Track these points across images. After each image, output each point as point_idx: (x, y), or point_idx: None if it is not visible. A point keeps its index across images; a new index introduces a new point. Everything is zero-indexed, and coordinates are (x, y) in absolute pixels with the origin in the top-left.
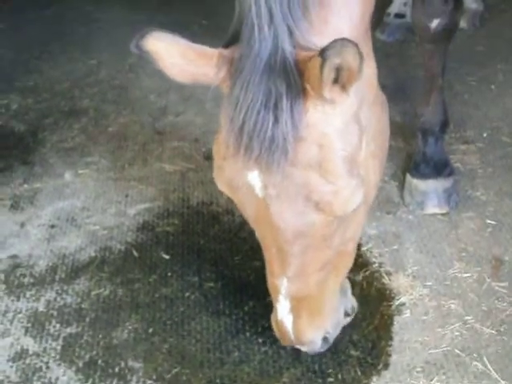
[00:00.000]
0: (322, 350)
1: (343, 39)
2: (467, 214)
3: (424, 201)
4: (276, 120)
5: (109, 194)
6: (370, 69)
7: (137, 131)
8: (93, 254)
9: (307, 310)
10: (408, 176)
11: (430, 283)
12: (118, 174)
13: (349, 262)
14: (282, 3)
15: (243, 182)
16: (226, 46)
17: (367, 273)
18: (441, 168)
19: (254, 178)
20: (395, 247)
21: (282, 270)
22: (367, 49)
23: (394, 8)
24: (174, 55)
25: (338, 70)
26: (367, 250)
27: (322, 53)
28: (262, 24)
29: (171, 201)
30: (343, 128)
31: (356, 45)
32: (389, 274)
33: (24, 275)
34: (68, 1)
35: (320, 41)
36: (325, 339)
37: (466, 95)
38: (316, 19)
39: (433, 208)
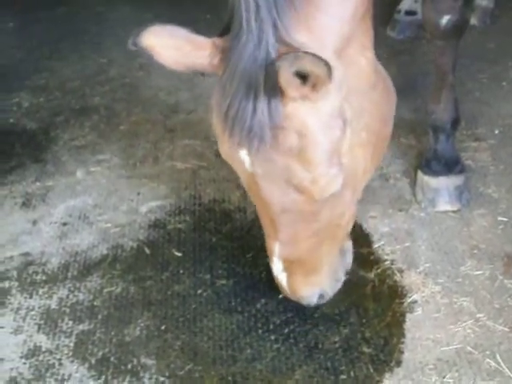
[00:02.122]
0: (319, 303)
1: (298, 51)
2: (479, 211)
3: (436, 198)
4: (254, 109)
5: (121, 191)
6: (363, 59)
7: (148, 129)
8: (105, 252)
9: (302, 269)
10: (419, 173)
11: (441, 280)
12: (130, 172)
13: (344, 233)
14: None
15: (236, 156)
16: (221, 35)
17: (379, 270)
18: (452, 165)
19: (244, 155)
20: (407, 244)
21: (274, 235)
22: (363, 40)
23: (404, 5)
24: (170, 49)
25: (302, 75)
26: (379, 247)
27: (276, 62)
28: (250, 18)
29: (183, 198)
30: (323, 120)
31: (313, 54)
32: (401, 271)
33: (36, 273)
34: (79, 0)
35: (306, 37)
36: (321, 296)
37: (477, 92)
38: (303, 15)
39: (444, 205)
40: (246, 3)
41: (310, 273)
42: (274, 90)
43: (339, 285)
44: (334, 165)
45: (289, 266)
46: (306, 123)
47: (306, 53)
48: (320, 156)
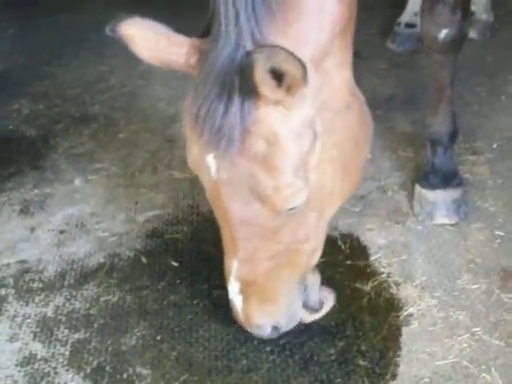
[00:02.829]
0: (272, 337)
1: (275, 46)
2: (476, 225)
3: (433, 211)
4: (226, 111)
5: (118, 200)
6: (339, 78)
7: (147, 138)
8: (102, 260)
9: (257, 295)
10: (417, 186)
11: (438, 294)
12: (128, 181)
13: (308, 262)
14: (248, 4)
15: (203, 163)
16: (202, 36)
17: (375, 283)
18: (450, 178)
19: (210, 160)
20: (404, 257)
21: (233, 251)
22: (341, 58)
23: (404, 18)
24: (148, 41)
25: (277, 74)
26: (376, 259)
27: (251, 55)
28: (228, 23)
29: (181, 208)
30: (294, 130)
31: (290, 52)
32: (397, 284)
33: (33, 280)
34: (80, 7)
35: (284, 43)
36: (275, 328)
37: (475, 106)
38: (281, 23)
39: (442, 218)
40: (225, 8)
41: (265, 301)
42: (248, 91)
43: (295, 321)
44: (300, 177)
45: (245, 289)
46: (276, 131)
47: (283, 49)
48: (286, 165)
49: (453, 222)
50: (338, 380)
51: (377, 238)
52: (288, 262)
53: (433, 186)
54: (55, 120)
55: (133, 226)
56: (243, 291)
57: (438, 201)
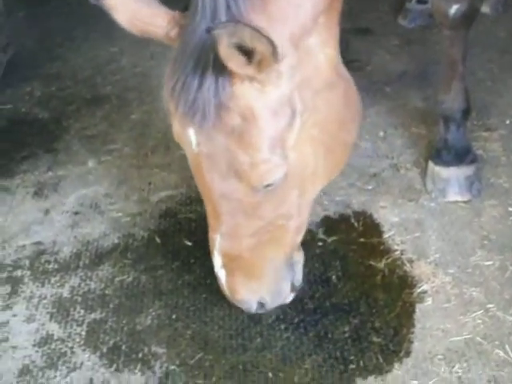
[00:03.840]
0: (259, 312)
1: (239, 22)
2: (490, 202)
3: (446, 188)
4: (200, 85)
5: (132, 181)
6: (322, 56)
7: (159, 118)
8: (116, 241)
9: (241, 270)
10: (430, 163)
11: (452, 271)
12: (141, 162)
13: (292, 239)
14: None
15: (184, 136)
16: (184, 10)
17: (389, 260)
18: (463, 155)
19: (191, 133)
20: (417, 235)
21: (216, 225)
22: (326, 36)
23: None
24: (129, 10)
25: (247, 50)
26: (389, 237)
27: (213, 31)
28: None
29: (193, 187)
30: (270, 106)
31: (255, 29)
32: (411, 261)
33: (48, 262)
34: None
35: (262, 20)
36: (261, 304)
37: (488, 82)
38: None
39: (455, 195)
40: None
41: (249, 276)
42: (222, 67)
43: (282, 298)
44: (277, 154)
45: (228, 263)
46: (252, 106)
47: (246, 25)
48: (262, 142)
49: (466, 199)
50: (352, 357)
51: (390, 216)
52: (272, 239)
53: (446, 163)
54: (67, 102)
55: (146, 207)
56: (227, 266)
57: (451, 178)
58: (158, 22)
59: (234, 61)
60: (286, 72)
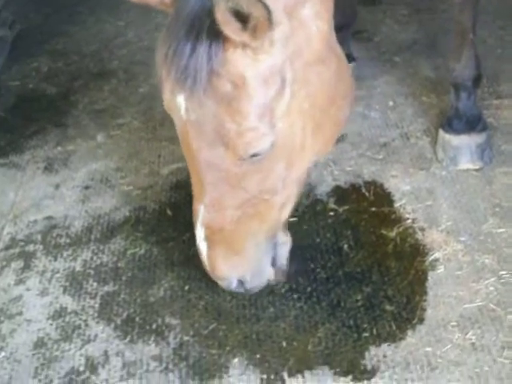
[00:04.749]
0: (238, 291)
1: None
2: (501, 170)
3: (457, 156)
4: (193, 51)
5: (141, 154)
6: (315, 29)
7: None
8: (127, 214)
9: (223, 244)
10: (441, 131)
11: (463, 238)
12: (150, 135)
13: (277, 216)
14: None
15: (173, 102)
16: None
17: (401, 229)
18: (474, 123)
19: (180, 100)
20: (429, 203)
21: (200, 196)
22: (319, 9)
23: None
24: None
25: (243, 17)
26: (400, 206)
27: None
28: None
29: None
30: (261, 75)
31: None
32: (422, 229)
33: (60, 236)
34: None
35: None
36: (240, 283)
37: (499, 49)
38: None
39: (466, 163)
40: None
41: (230, 251)
42: (216, 34)
43: (263, 279)
44: (265, 123)
45: (211, 236)
46: (243, 74)
47: None
48: (250, 109)
49: (477, 166)
50: (365, 325)
51: (401, 185)
52: (256, 214)
53: (457, 131)
54: (75, 77)
55: (157, 179)
56: (209, 238)
57: (462, 146)
58: None
59: (229, 26)
60: (278, 41)
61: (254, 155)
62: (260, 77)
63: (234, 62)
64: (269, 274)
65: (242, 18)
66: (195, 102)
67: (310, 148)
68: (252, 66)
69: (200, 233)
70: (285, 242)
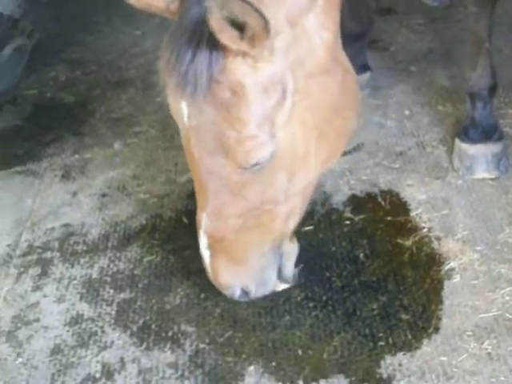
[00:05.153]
0: (242, 300)
1: None
2: None
3: (473, 165)
4: (193, 58)
5: (158, 162)
6: (318, 39)
7: None
8: (144, 222)
9: (226, 253)
10: (457, 141)
11: (479, 248)
12: (167, 143)
13: (282, 227)
14: None
15: (177, 108)
16: None
17: (417, 238)
18: (490, 132)
19: (183, 106)
20: (445, 212)
21: (203, 204)
22: (324, 19)
23: None
24: None
25: (240, 25)
26: (416, 215)
27: (205, 3)
28: None
29: None
30: (261, 83)
31: (246, 2)
32: (438, 238)
33: (77, 243)
34: None
35: None
36: (244, 291)
37: None
38: None
39: (482, 173)
40: None
41: (233, 260)
42: (216, 42)
43: (268, 289)
44: (265, 132)
45: (213, 244)
46: (243, 81)
47: None
48: (250, 117)
49: (493, 176)
50: (381, 334)
51: (417, 194)
52: (259, 224)
53: (473, 141)
54: (92, 86)
55: (173, 187)
56: (212, 247)
57: (479, 155)
58: None
59: (225, 34)
60: (279, 49)
61: (254, 165)
62: (260, 85)
63: (233, 70)
64: (274, 284)
65: (238, 25)
66: (196, 109)
67: (313, 159)
68: (252, 73)
69: (203, 240)
70: (290, 252)
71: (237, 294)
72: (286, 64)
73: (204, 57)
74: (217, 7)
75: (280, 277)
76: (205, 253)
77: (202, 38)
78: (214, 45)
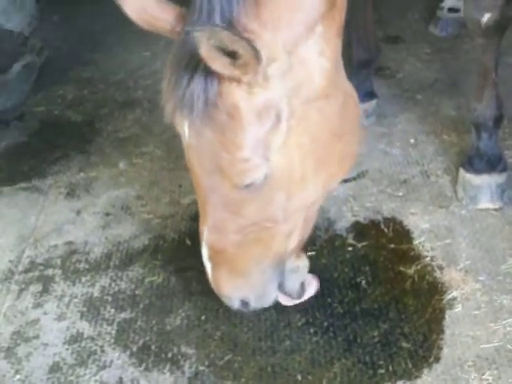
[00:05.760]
0: (242, 310)
1: (217, 25)
2: None
3: (477, 196)
4: (190, 81)
5: (163, 183)
6: (317, 67)
7: None
8: (146, 242)
9: (226, 265)
10: (461, 170)
11: (482, 278)
12: (172, 164)
13: (281, 244)
14: None
15: (180, 127)
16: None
17: (419, 266)
18: (494, 163)
19: (184, 126)
20: (448, 241)
21: (204, 217)
22: (323, 47)
23: (447, 2)
24: (138, 4)
25: (227, 52)
26: (419, 243)
27: (190, 34)
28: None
29: None
30: (256, 108)
31: (233, 32)
32: (441, 268)
33: (80, 261)
34: None
35: (256, 24)
36: (244, 302)
37: None
38: (252, 3)
39: (486, 203)
40: None
41: (233, 272)
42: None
43: (268, 302)
44: (259, 155)
45: (214, 256)
46: (237, 106)
47: (224, 28)
48: (244, 141)
49: (497, 206)
50: (381, 362)
51: (420, 222)
52: (258, 240)
53: (477, 171)
54: (100, 105)
55: (177, 209)
56: (213, 258)
57: (483, 185)
58: (165, 18)
59: (217, 62)
60: (275, 76)
61: (248, 185)
62: (254, 110)
63: (228, 94)
64: (275, 297)
65: (229, 53)
66: (194, 130)
67: (312, 182)
68: (246, 99)
69: (205, 252)
70: (295, 269)
71: (236, 304)
72: (283, 90)
73: (200, 80)
74: (205, 38)
75: (284, 292)
76: (207, 264)
77: (199, 62)
78: (210, 69)
